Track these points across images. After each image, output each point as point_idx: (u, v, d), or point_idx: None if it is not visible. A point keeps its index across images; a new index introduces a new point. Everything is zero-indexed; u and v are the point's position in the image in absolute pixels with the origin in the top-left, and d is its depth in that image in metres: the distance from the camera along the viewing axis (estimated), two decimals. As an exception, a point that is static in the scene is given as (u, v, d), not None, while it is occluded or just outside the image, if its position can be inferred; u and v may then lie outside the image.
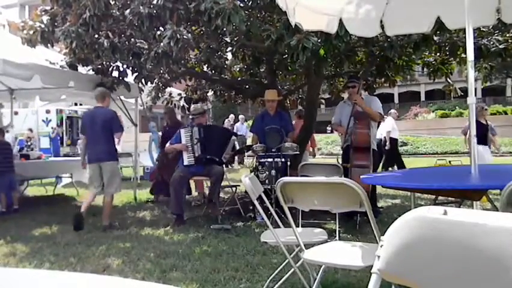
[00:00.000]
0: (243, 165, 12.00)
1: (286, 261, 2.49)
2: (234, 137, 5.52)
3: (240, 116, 14.66)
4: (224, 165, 5.50)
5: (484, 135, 6.49)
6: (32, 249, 4.01)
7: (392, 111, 10.88)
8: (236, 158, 12.53)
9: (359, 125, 4.73)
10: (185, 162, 5.15)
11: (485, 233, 0.70)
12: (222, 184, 5.56)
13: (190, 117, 5.58)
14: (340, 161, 4.90)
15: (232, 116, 16.24)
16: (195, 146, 5.18)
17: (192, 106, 6.43)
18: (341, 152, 5.28)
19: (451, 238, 0.74)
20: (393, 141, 9.69)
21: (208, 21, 3.86)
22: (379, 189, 5.64)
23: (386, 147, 9.48)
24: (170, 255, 3.68)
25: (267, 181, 4.81)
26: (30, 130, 11.89)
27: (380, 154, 10.09)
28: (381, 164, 10.23)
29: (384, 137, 9.53)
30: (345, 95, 5.78)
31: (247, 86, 7.50)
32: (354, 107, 4.80)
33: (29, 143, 10.95)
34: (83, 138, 5.34)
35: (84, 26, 4.41)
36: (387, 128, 9.60)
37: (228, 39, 6.17)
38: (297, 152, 5.15)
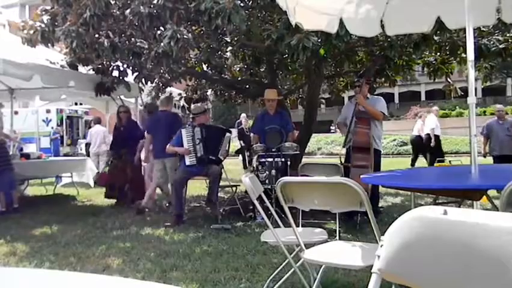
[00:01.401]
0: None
1: (287, 261, 2.49)
2: (228, 134, 5.52)
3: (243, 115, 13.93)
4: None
5: None
6: (32, 249, 4.01)
7: (434, 108, 10.85)
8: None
9: (359, 124, 4.72)
10: (188, 163, 5.16)
11: (485, 233, 0.70)
12: (222, 184, 5.56)
13: (191, 116, 5.58)
14: (343, 160, 4.89)
15: (244, 115, 16.10)
16: (197, 146, 5.18)
17: (193, 105, 6.42)
18: (343, 151, 5.27)
19: (451, 238, 0.74)
20: (436, 138, 9.71)
21: (208, 21, 3.86)
22: (379, 189, 5.63)
23: (432, 144, 9.54)
24: (171, 255, 3.68)
25: (267, 181, 4.81)
26: (14, 131, 11.72)
27: (421, 150, 10.26)
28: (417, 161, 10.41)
29: (428, 134, 9.56)
30: (345, 95, 5.77)
31: (247, 86, 7.50)
32: (356, 106, 4.80)
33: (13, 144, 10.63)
34: (148, 137, 5.99)
35: (84, 25, 4.41)
36: (431, 125, 9.63)
37: (228, 39, 6.17)
38: (297, 152, 5.15)
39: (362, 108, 4.77)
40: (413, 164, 10.44)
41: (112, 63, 5.76)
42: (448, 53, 5.56)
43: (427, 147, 9.73)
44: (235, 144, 15.73)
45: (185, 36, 4.13)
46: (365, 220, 4.46)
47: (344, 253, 2.26)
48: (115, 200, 6.44)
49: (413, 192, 4.11)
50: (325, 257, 2.15)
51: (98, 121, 10.45)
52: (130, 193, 6.25)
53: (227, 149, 5.48)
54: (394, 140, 18.52)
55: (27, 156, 7.41)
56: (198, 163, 5.15)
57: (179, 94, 7.81)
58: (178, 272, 3.25)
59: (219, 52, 6.50)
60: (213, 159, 5.20)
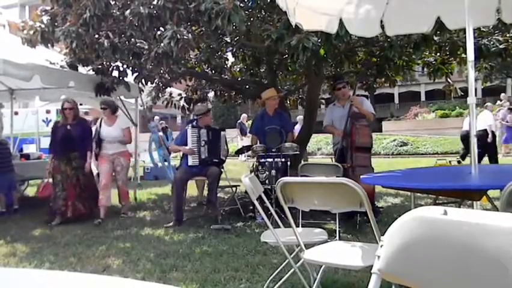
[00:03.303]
0: None
1: (287, 261, 2.49)
2: (223, 133, 5.53)
3: (299, 117, 12.60)
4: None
5: None
6: (32, 249, 4.01)
7: (489, 104, 10.90)
8: None
9: (360, 125, 4.73)
10: (190, 163, 5.18)
11: (485, 233, 0.70)
12: (222, 184, 5.56)
13: (194, 117, 5.58)
14: (333, 161, 4.92)
15: (244, 115, 16.11)
16: (202, 148, 5.20)
17: (196, 106, 6.41)
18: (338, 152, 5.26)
19: (450, 238, 0.74)
20: (492, 134, 9.78)
21: (208, 21, 3.86)
22: (379, 189, 5.64)
23: (489, 140, 9.54)
24: (171, 255, 3.68)
25: (267, 181, 4.81)
26: None
27: (481, 146, 10.40)
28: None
29: (485, 130, 9.63)
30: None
31: (247, 86, 7.50)
32: (351, 108, 4.81)
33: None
34: None
35: (84, 26, 4.41)
36: (488, 121, 9.68)
37: (228, 39, 6.17)
38: (297, 152, 5.15)
39: (357, 110, 4.80)
40: (463, 159, 10.60)
41: (111, 64, 5.75)
42: (447, 53, 5.57)
43: (482, 143, 9.83)
44: (235, 144, 15.80)
45: (185, 37, 4.13)
46: (365, 220, 4.46)
47: (344, 253, 2.26)
48: (52, 215, 5.23)
49: (413, 193, 4.11)
50: (325, 257, 2.15)
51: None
52: (82, 205, 5.30)
53: (226, 148, 5.51)
54: (394, 140, 18.50)
55: (27, 156, 7.40)
56: (200, 164, 5.16)
57: (180, 94, 7.80)
58: (178, 272, 3.25)
59: (219, 52, 6.50)
60: (216, 161, 5.22)
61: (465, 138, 10.58)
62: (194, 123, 5.52)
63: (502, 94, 11.65)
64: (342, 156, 4.81)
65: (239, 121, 15.88)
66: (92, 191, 5.46)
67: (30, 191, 8.05)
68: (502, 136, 12.71)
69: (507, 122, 12.45)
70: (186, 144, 5.23)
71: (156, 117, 11.80)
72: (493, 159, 9.51)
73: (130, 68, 5.64)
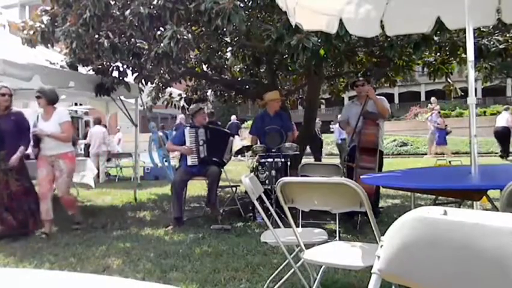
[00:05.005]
0: None
1: (287, 261, 2.49)
2: (231, 138, 5.53)
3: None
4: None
5: None
6: (32, 249, 4.01)
7: None
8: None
9: (367, 125, 4.68)
10: (189, 163, 5.17)
11: (485, 234, 0.70)
12: (222, 184, 5.55)
13: (190, 117, 5.59)
14: (343, 160, 4.90)
15: (234, 117, 16.30)
16: (200, 148, 5.19)
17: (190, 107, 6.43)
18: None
19: (450, 238, 0.74)
20: None
21: (208, 21, 3.86)
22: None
23: None
24: (171, 256, 3.68)
25: (267, 181, 4.81)
26: None
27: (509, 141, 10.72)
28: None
29: None
30: (345, 95, 5.75)
31: (247, 86, 7.50)
32: (363, 107, 4.77)
33: None
34: None
35: (84, 26, 4.41)
36: None
37: (228, 39, 6.17)
38: (297, 152, 5.14)
39: (370, 109, 4.75)
40: (506, 156, 10.79)
41: (111, 64, 5.75)
42: (447, 53, 5.56)
43: None
44: (236, 144, 15.91)
45: (185, 37, 4.13)
46: (365, 220, 4.46)
47: (344, 253, 2.26)
48: None
49: (413, 193, 4.11)
50: (325, 257, 2.15)
51: (98, 121, 10.45)
52: (12, 218, 4.49)
53: (231, 153, 5.51)
54: (394, 140, 18.51)
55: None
56: (199, 163, 5.15)
57: (180, 95, 7.81)
58: (178, 272, 3.25)
59: (219, 52, 6.50)
60: (216, 161, 5.21)
61: (502, 134, 10.84)
62: (191, 123, 5.53)
63: (432, 98, 12.54)
64: (353, 155, 4.79)
65: (230, 122, 16.19)
66: (28, 200, 4.62)
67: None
68: (433, 138, 13.65)
69: (438, 124, 13.13)
70: (184, 144, 5.23)
71: (181, 116, 11.88)
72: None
73: (130, 68, 5.64)
